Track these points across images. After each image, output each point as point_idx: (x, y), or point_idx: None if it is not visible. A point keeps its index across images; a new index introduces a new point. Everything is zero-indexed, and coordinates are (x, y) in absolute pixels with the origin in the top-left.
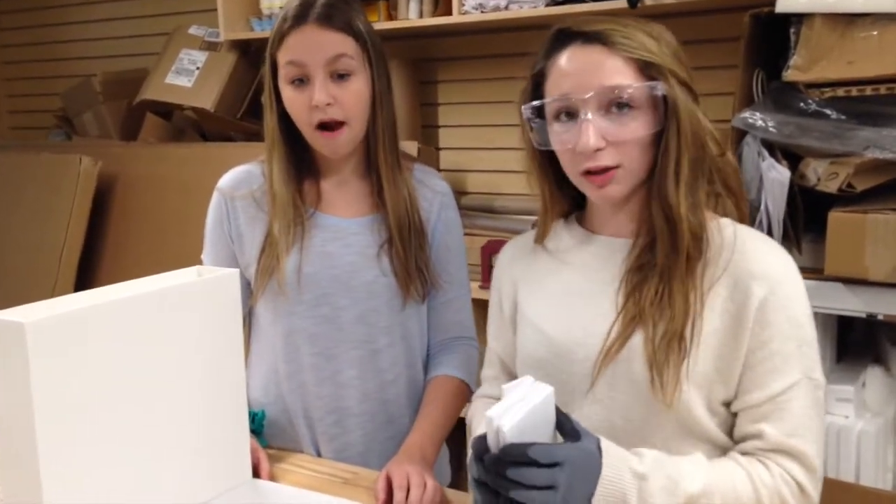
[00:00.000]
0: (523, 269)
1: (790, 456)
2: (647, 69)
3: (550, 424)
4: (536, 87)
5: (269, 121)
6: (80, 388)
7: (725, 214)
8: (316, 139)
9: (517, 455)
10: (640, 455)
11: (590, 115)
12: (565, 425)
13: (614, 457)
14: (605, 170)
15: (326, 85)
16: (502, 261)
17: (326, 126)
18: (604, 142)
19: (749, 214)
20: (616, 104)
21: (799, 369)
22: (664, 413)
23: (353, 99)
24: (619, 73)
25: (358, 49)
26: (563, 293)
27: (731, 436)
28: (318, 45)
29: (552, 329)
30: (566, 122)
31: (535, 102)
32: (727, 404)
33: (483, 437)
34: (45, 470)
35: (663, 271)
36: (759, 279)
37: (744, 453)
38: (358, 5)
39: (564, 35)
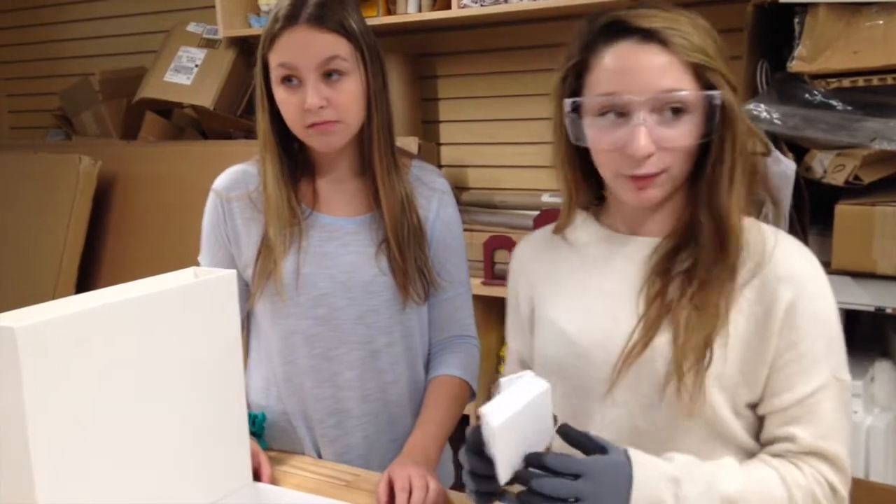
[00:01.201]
0: (541, 268)
1: (822, 458)
2: (703, 73)
3: (546, 420)
4: (577, 79)
5: (262, 122)
6: (74, 393)
7: (758, 215)
8: (308, 136)
9: (538, 462)
10: (671, 460)
11: (644, 119)
12: (588, 444)
13: (645, 464)
14: (650, 174)
15: (319, 87)
16: (518, 259)
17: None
18: (654, 146)
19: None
20: (670, 108)
21: (827, 370)
22: (689, 416)
23: (346, 100)
24: (676, 77)
25: (351, 49)
26: (583, 293)
27: (758, 439)
28: (310, 46)
29: (572, 330)
30: (615, 121)
31: (583, 98)
32: (752, 406)
33: (477, 429)
34: (38, 476)
35: (699, 275)
36: (785, 282)
37: (774, 455)
38: (351, 3)
39: (617, 28)
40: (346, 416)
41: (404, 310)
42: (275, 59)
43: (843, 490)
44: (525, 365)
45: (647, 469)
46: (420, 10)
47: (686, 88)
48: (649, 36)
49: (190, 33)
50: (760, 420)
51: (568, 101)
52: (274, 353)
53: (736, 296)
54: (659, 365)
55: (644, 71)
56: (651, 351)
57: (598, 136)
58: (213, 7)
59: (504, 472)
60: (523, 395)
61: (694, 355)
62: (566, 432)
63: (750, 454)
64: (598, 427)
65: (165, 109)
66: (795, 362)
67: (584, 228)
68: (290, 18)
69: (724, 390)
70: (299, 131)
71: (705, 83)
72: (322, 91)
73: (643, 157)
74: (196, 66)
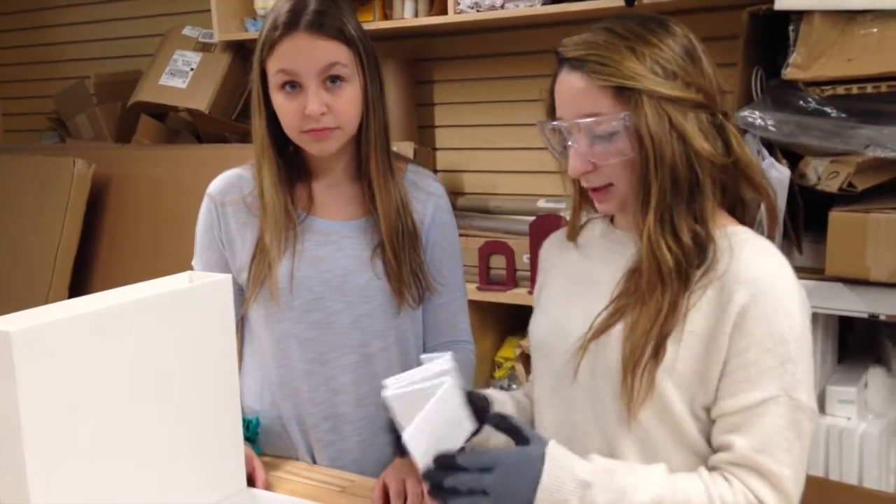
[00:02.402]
0: (554, 262)
1: (757, 473)
2: (624, 94)
3: (455, 405)
4: (552, 104)
5: (259, 127)
6: (68, 397)
7: (750, 220)
8: (304, 141)
9: (446, 462)
10: (590, 461)
11: (572, 142)
12: (519, 431)
13: (558, 463)
14: (599, 188)
15: (320, 94)
16: (541, 252)
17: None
18: (590, 165)
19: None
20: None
21: (778, 385)
22: (633, 409)
23: (345, 106)
24: (595, 102)
25: (350, 55)
26: (575, 280)
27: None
28: (311, 53)
29: (556, 311)
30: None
31: (545, 123)
32: (709, 411)
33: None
34: (33, 480)
35: (650, 278)
36: (743, 285)
37: (713, 468)
38: (349, 9)
39: (558, 57)
40: (342, 421)
41: (399, 314)
42: (274, 65)
43: None
44: None
45: (558, 468)
46: (416, 15)
47: (603, 112)
48: (573, 64)
49: (185, 37)
50: (713, 424)
51: (539, 124)
52: (268, 357)
53: (695, 290)
54: (613, 352)
55: (569, 98)
56: (608, 337)
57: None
58: (209, 11)
59: (418, 448)
60: (427, 379)
61: (641, 348)
62: (496, 422)
63: (706, 460)
64: (567, 407)
65: (160, 113)
66: (742, 369)
67: (593, 225)
68: (290, 25)
69: (680, 388)
70: (296, 136)
71: (626, 104)
72: (323, 97)
73: (578, 176)
74: (191, 69)
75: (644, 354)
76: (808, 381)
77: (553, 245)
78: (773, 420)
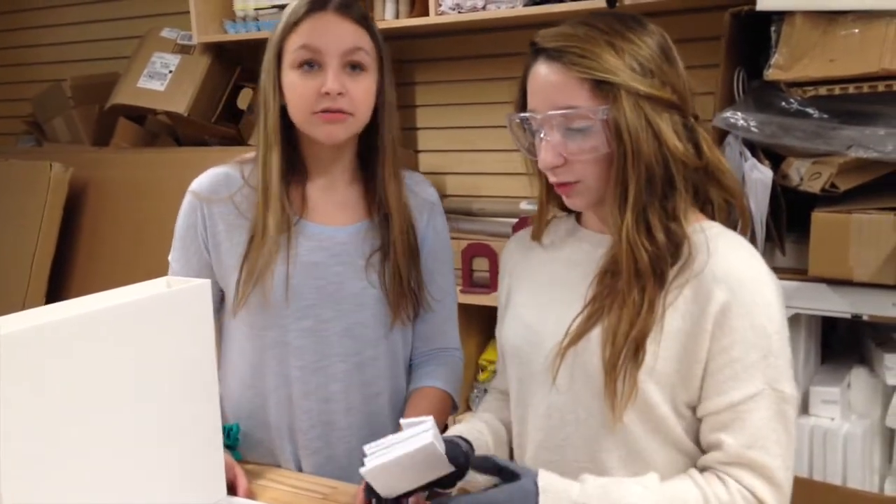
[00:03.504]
0: (518, 262)
1: (750, 469)
2: (602, 87)
3: (428, 471)
4: (523, 96)
5: (272, 115)
6: (44, 404)
7: (724, 219)
8: (314, 123)
9: None
10: (582, 482)
11: (544, 135)
12: (504, 469)
13: (552, 492)
14: (567, 183)
15: (340, 75)
16: (504, 253)
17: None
18: (561, 159)
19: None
20: (570, 123)
21: (762, 379)
22: (616, 412)
23: (362, 94)
24: (571, 94)
25: (373, 46)
26: (546, 283)
27: (699, 444)
28: (337, 33)
29: (530, 317)
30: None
31: (513, 115)
32: (693, 409)
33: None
34: (6, 487)
35: (629, 278)
36: (721, 283)
37: (704, 468)
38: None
39: (533, 48)
40: (331, 429)
41: (392, 327)
42: (295, 42)
43: None
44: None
45: (553, 497)
46: (398, 16)
47: (579, 105)
48: (552, 55)
49: (164, 39)
50: (700, 423)
51: (508, 116)
52: (255, 363)
53: (671, 290)
54: (593, 356)
55: (544, 90)
56: (587, 341)
57: (536, 152)
58: (188, 13)
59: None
60: (407, 444)
61: (622, 351)
62: (478, 465)
63: (692, 458)
64: (545, 413)
65: (139, 116)
66: (728, 367)
67: (560, 224)
68: (318, 4)
69: (662, 387)
70: (306, 118)
71: (604, 98)
72: (342, 79)
73: (548, 170)
74: (170, 71)
75: (625, 357)
76: (788, 370)
77: (517, 246)
78: (760, 414)
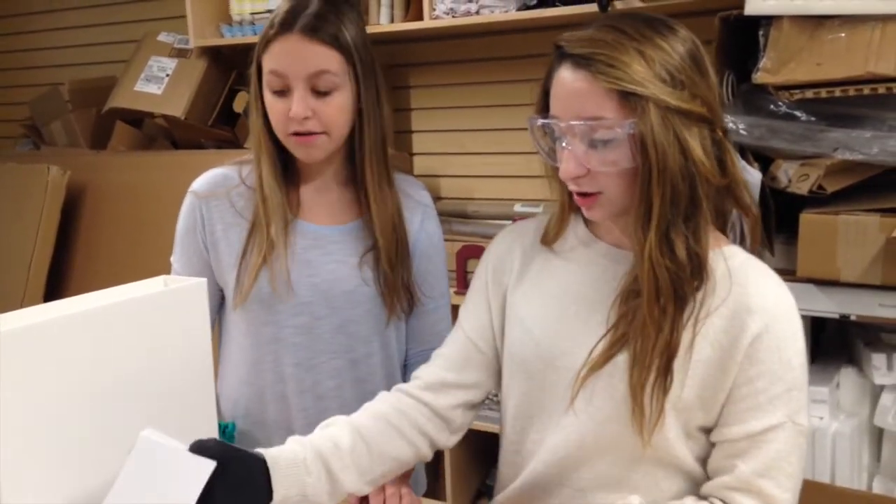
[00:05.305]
0: (518, 260)
1: (757, 497)
2: (630, 99)
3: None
4: (546, 99)
5: (256, 123)
6: (40, 401)
7: (727, 227)
8: (291, 143)
9: None
10: None
11: (566, 144)
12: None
13: None
14: (588, 194)
15: (306, 97)
16: (497, 245)
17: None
18: (584, 169)
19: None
20: (596, 134)
21: (784, 412)
22: (636, 437)
23: (333, 113)
24: (597, 105)
25: (343, 64)
26: (558, 296)
27: (705, 467)
28: (301, 57)
29: (541, 332)
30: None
31: (534, 119)
32: (707, 431)
33: None
34: (4, 483)
35: (649, 298)
36: (755, 314)
37: (706, 496)
38: (353, 16)
39: (559, 52)
40: None
41: (387, 324)
42: (267, 63)
43: None
44: (471, 345)
45: None
46: (392, 20)
47: (605, 116)
48: (579, 62)
49: (161, 43)
50: (712, 446)
51: (529, 120)
52: (253, 360)
53: (700, 318)
54: (617, 379)
55: (570, 97)
56: (612, 366)
57: (557, 158)
58: (185, 17)
59: None
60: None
61: (653, 375)
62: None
63: (696, 482)
64: (554, 432)
65: (136, 119)
66: (752, 397)
67: (570, 232)
68: (285, 26)
69: (678, 413)
70: (283, 138)
71: (631, 110)
72: (309, 102)
73: (569, 180)
74: (167, 75)
75: (654, 381)
76: (806, 403)
77: (516, 243)
78: (778, 446)
